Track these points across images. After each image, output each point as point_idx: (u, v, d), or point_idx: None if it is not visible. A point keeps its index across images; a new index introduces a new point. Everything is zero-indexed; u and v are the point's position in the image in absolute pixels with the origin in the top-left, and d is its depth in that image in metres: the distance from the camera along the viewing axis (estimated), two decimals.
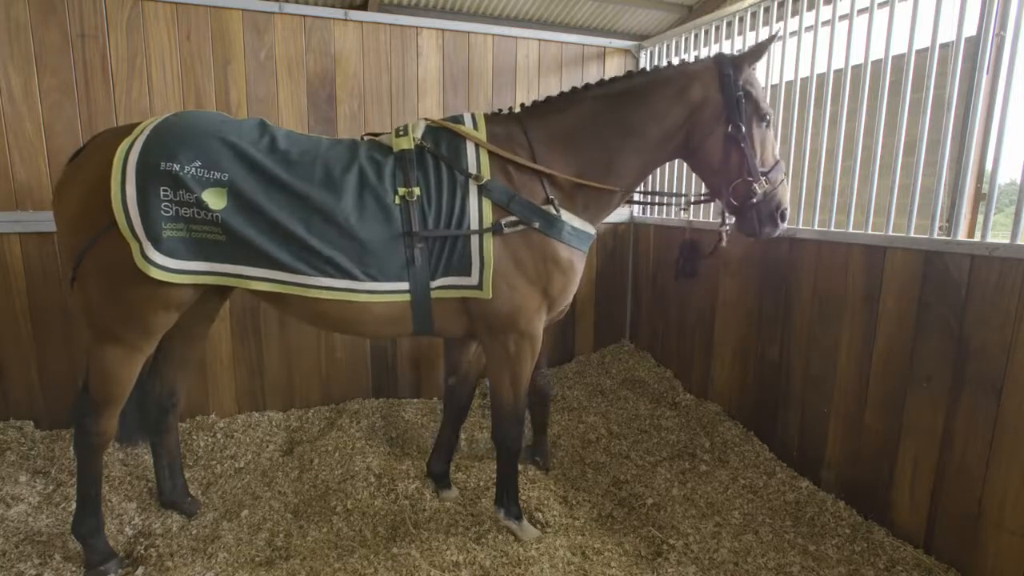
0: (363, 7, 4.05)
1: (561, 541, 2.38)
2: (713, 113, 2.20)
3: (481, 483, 2.87)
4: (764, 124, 2.25)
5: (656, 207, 4.28)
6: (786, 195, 2.33)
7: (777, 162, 2.30)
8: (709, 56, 2.29)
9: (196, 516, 2.55)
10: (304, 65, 3.40)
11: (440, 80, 3.71)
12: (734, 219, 2.35)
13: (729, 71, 2.19)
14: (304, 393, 3.65)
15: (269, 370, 3.54)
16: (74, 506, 2.26)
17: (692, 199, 2.64)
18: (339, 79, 3.48)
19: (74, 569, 2.22)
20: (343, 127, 3.52)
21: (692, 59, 2.30)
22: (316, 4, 3.87)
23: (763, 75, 3.26)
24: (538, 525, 2.52)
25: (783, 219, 2.31)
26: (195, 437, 3.21)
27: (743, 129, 2.18)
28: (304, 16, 3.35)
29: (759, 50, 2.20)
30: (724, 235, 2.40)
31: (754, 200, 2.23)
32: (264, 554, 2.31)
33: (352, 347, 3.70)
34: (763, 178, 2.22)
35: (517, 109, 2.38)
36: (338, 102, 3.50)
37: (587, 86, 2.31)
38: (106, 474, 2.78)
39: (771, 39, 2.23)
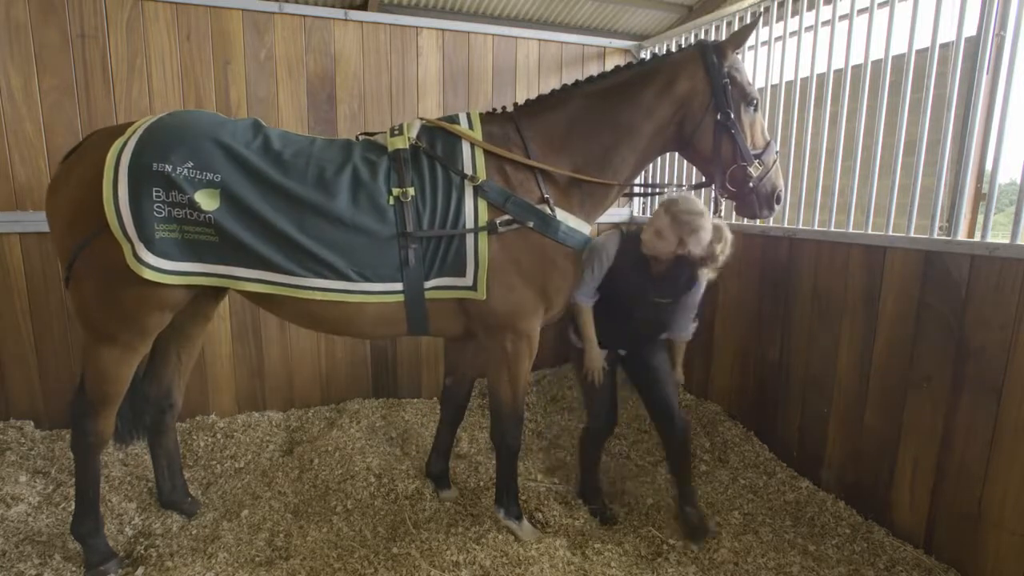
0: (363, 7, 4.05)
1: (561, 541, 2.38)
2: (702, 103, 2.21)
3: (481, 483, 2.87)
4: (752, 108, 2.25)
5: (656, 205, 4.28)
6: (780, 177, 2.36)
7: (768, 143, 2.31)
8: (692, 45, 2.29)
9: (196, 516, 2.55)
10: (304, 65, 3.39)
11: (440, 80, 3.71)
12: (734, 204, 2.38)
13: (713, 58, 2.18)
14: (304, 393, 3.64)
15: (269, 370, 3.54)
16: (74, 506, 2.26)
17: (687, 186, 2.62)
18: (339, 79, 3.48)
19: (74, 569, 2.22)
20: (343, 127, 3.52)
21: (676, 49, 2.30)
22: (316, 4, 3.87)
23: (764, 75, 3.26)
24: (538, 525, 2.52)
25: (778, 202, 2.35)
26: (195, 437, 3.21)
27: (732, 115, 2.18)
28: (304, 16, 3.35)
29: (742, 35, 2.20)
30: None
31: (751, 184, 2.25)
32: (264, 554, 2.31)
33: (352, 347, 3.70)
34: (756, 161, 2.24)
35: (511, 109, 2.37)
36: (338, 102, 3.50)
37: (577, 83, 2.31)
38: (106, 474, 2.79)
39: (754, 23, 2.23)
